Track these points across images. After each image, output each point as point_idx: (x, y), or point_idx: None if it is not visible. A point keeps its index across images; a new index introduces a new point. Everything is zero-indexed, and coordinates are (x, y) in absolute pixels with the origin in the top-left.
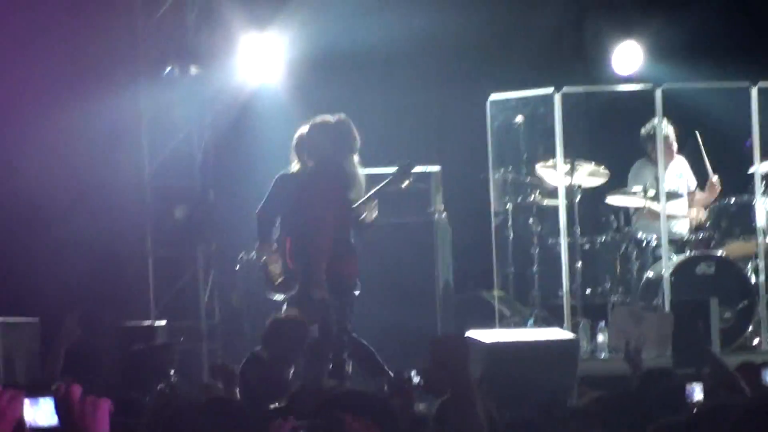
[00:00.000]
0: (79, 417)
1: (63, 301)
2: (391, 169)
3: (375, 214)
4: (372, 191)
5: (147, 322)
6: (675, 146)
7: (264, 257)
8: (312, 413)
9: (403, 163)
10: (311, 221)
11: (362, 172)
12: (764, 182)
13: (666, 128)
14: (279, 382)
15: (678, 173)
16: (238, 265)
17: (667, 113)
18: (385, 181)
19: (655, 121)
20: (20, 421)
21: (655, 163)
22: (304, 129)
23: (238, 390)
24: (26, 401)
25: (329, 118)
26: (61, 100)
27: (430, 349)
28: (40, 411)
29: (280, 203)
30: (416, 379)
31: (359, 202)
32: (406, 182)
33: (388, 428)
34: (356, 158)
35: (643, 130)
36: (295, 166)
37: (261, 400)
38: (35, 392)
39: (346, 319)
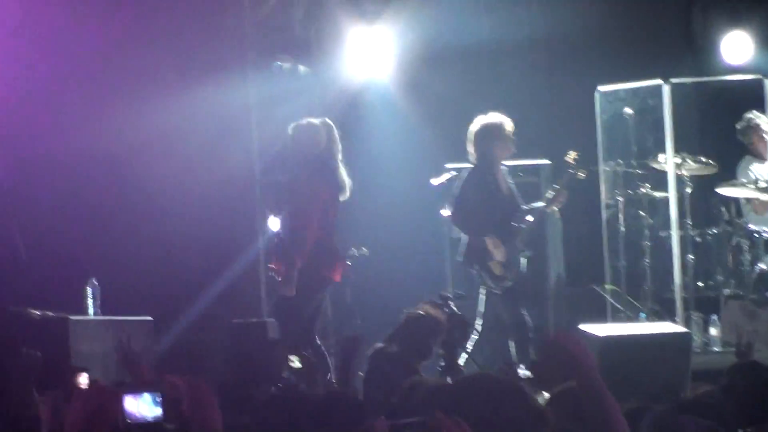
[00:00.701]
0: (187, 410)
1: (176, 299)
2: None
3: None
4: (558, 187)
5: (259, 319)
6: None
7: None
8: (422, 410)
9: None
10: (298, 220)
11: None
12: None
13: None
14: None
15: None
16: (350, 261)
17: None
18: (565, 177)
19: (750, 114)
20: (118, 416)
21: (756, 155)
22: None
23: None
24: (130, 396)
25: (315, 120)
26: (171, 92)
27: (542, 345)
28: (144, 404)
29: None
30: (525, 373)
31: (552, 198)
32: (582, 173)
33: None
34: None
35: (738, 125)
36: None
37: (383, 394)
38: (140, 387)
39: (313, 320)
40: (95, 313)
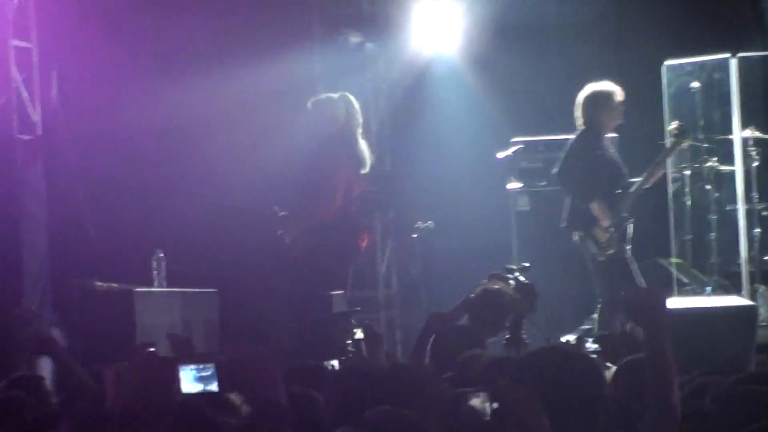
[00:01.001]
0: (249, 381)
1: (240, 273)
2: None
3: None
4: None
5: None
6: None
7: None
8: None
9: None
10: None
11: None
12: None
13: None
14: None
15: None
16: (416, 234)
17: None
18: (669, 147)
19: None
20: (174, 387)
21: None
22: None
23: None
24: (186, 367)
25: (333, 95)
26: (238, 66)
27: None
28: (201, 376)
29: None
30: (593, 346)
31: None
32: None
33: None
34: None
35: None
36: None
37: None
38: (197, 359)
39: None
40: (160, 285)
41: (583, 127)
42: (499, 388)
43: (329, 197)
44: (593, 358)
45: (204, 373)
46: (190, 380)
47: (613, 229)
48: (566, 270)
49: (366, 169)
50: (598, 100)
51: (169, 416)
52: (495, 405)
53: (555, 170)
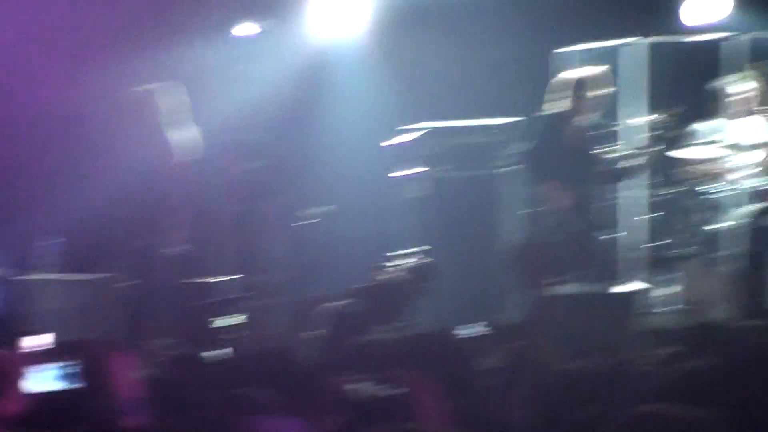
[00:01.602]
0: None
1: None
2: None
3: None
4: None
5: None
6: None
7: None
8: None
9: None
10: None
11: None
12: None
13: (742, 81)
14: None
15: (750, 127)
16: (313, 220)
17: (750, 65)
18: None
19: (727, 76)
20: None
21: (724, 116)
22: None
23: None
24: (37, 365)
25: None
26: (135, 54)
27: None
28: (63, 375)
29: None
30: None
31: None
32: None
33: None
34: None
35: (713, 85)
36: None
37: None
38: (47, 357)
39: None
40: (52, 272)
41: (562, 110)
42: (397, 374)
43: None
44: (462, 342)
45: (67, 371)
46: (48, 379)
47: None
48: (469, 256)
49: (195, 155)
50: (571, 85)
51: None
52: (391, 389)
53: (525, 149)
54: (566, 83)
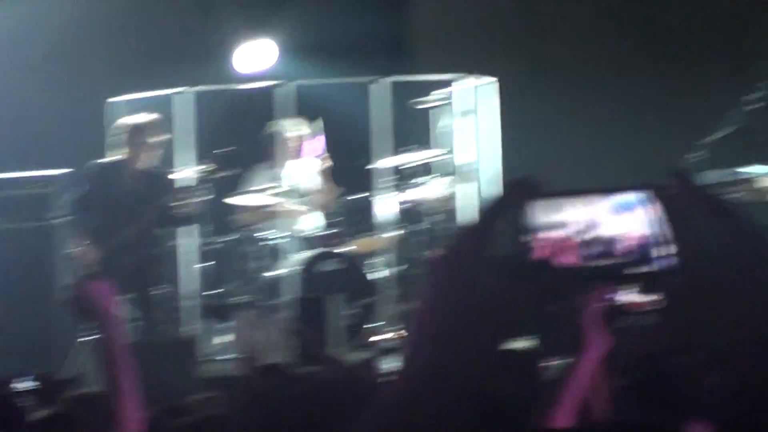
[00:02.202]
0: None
1: None
2: None
3: None
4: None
5: None
6: (305, 144)
7: None
8: None
9: None
10: None
11: None
12: (391, 177)
13: (293, 126)
14: None
15: (302, 172)
16: None
17: (298, 111)
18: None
19: (277, 122)
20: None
21: (277, 162)
22: None
23: None
24: None
25: None
26: None
27: None
28: None
29: None
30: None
31: None
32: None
33: None
34: None
35: (265, 131)
36: None
37: None
38: None
39: None
40: None
41: (116, 158)
42: None
43: None
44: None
45: None
46: None
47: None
48: (22, 309)
49: None
50: (138, 132)
51: None
52: None
53: (77, 199)
54: (120, 131)
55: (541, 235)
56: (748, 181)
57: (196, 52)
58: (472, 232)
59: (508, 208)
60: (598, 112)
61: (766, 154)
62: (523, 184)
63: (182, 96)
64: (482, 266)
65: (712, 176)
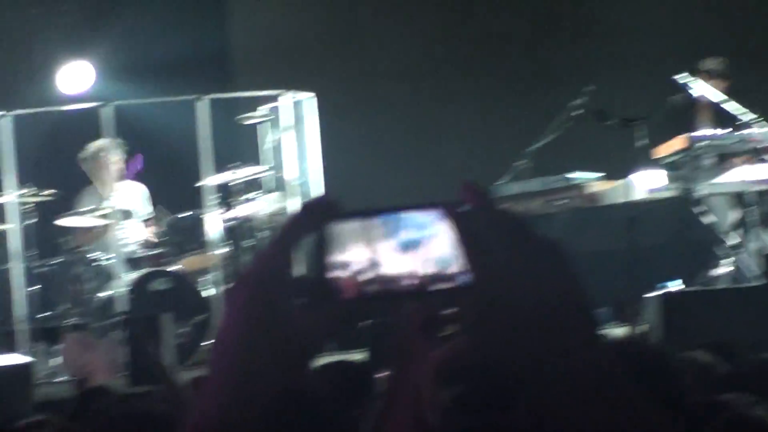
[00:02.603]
0: None
1: None
2: None
3: None
4: None
5: None
6: (125, 167)
7: None
8: None
9: None
10: None
11: None
12: (218, 195)
13: (110, 147)
14: None
15: (126, 193)
16: None
17: (120, 132)
18: None
19: (96, 143)
20: None
21: (97, 184)
22: None
23: None
24: None
25: None
26: None
27: None
28: None
29: None
30: None
31: None
32: None
33: None
34: None
35: (81, 154)
36: None
37: None
38: None
39: None
40: None
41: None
42: None
43: None
44: None
45: None
46: None
47: None
48: None
49: None
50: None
51: None
52: None
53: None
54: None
55: (339, 255)
56: (577, 187)
57: (16, 74)
58: (267, 254)
59: (304, 229)
60: (416, 125)
61: (589, 159)
62: (319, 205)
63: (1, 120)
64: (280, 288)
65: (540, 183)
